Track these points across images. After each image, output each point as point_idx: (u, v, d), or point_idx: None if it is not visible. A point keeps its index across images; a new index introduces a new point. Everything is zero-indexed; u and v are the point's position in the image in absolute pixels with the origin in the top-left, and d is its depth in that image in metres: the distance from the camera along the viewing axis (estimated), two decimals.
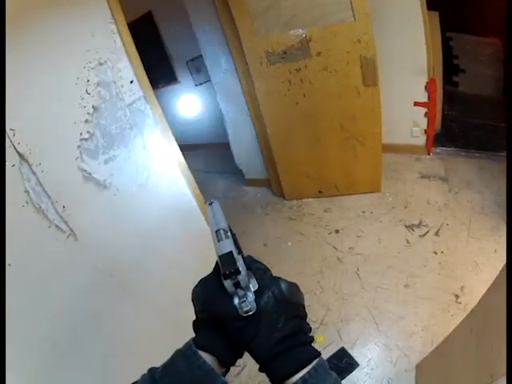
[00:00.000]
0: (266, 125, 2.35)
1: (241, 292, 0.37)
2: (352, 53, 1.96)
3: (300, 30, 1.96)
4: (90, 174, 1.04)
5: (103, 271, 1.07)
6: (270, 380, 0.39)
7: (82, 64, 1.04)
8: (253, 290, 0.38)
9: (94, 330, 1.02)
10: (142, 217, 1.24)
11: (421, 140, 2.70)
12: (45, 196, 0.90)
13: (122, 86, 1.17)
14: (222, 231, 0.40)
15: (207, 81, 2.98)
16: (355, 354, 1.52)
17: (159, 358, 0.40)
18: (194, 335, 0.41)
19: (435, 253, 1.91)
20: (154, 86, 1.32)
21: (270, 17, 1.95)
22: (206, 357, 0.37)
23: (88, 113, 1.05)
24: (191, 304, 0.43)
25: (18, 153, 0.84)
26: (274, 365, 0.37)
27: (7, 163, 0.81)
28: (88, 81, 1.05)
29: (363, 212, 2.34)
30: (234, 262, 0.36)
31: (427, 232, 2.05)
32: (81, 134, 1.02)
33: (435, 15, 2.52)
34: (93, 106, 1.06)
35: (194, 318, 0.43)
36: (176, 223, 1.42)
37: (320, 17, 1.90)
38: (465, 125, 2.96)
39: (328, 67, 2.03)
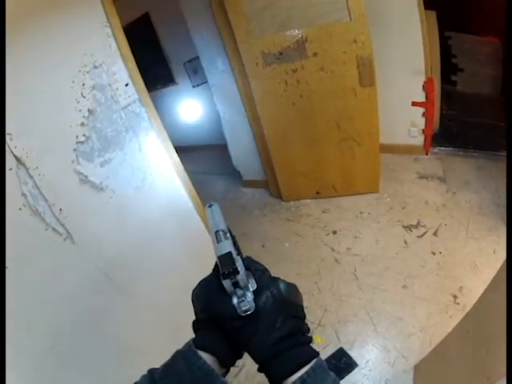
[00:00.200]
0: (263, 126, 2.35)
1: (239, 292, 0.38)
2: (348, 53, 1.95)
3: (296, 31, 1.96)
4: (86, 176, 1.05)
5: (100, 273, 1.07)
6: (269, 380, 0.39)
7: (77, 67, 1.04)
8: (251, 289, 0.38)
9: (92, 331, 1.02)
10: (138, 219, 1.25)
11: (419, 140, 2.70)
12: (42, 199, 0.90)
13: (117, 89, 1.18)
14: (221, 232, 0.41)
15: (204, 82, 2.98)
16: (353, 355, 1.48)
17: (159, 359, 0.40)
18: (193, 336, 0.41)
19: (433, 253, 1.90)
20: (152, 88, 1.32)
21: (266, 17, 1.95)
22: (205, 357, 0.37)
23: (84, 116, 1.05)
24: (190, 304, 0.44)
25: (15, 157, 0.85)
26: (273, 364, 0.38)
27: None
28: (83, 84, 1.05)
29: (361, 213, 2.34)
30: (232, 262, 0.37)
31: (425, 232, 2.05)
32: (77, 137, 1.03)
33: (432, 14, 2.52)
34: (88, 110, 1.06)
35: (193, 318, 0.44)
36: (173, 225, 1.42)
37: (316, 17, 1.90)
38: (463, 124, 2.96)
39: (324, 68, 2.03)
